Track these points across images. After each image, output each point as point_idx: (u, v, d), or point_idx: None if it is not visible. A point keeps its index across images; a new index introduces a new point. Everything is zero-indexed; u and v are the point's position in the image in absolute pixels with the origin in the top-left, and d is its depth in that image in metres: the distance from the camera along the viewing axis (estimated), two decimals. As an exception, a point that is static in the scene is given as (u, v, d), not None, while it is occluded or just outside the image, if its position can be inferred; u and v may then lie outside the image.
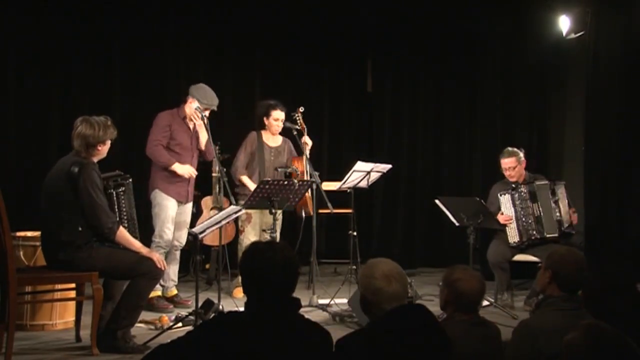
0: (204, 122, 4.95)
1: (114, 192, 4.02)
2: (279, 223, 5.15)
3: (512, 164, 5.36)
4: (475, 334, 2.76)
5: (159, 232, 5.01)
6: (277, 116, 5.42)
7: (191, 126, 5.12)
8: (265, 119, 5.45)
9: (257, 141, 5.45)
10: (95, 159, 3.95)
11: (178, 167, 4.95)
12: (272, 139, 5.52)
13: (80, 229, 3.82)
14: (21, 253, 4.36)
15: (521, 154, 5.41)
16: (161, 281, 5.16)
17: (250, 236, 5.39)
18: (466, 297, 2.75)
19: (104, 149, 3.97)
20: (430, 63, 7.34)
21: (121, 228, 3.92)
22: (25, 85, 5.88)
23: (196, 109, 4.97)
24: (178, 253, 5.21)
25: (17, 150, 5.85)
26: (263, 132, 5.50)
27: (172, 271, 5.18)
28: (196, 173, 5.09)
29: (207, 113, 5.01)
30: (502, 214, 5.30)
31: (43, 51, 5.95)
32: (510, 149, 5.42)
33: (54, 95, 6.06)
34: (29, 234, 4.47)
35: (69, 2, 6.00)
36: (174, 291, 5.19)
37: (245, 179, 5.42)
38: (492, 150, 7.04)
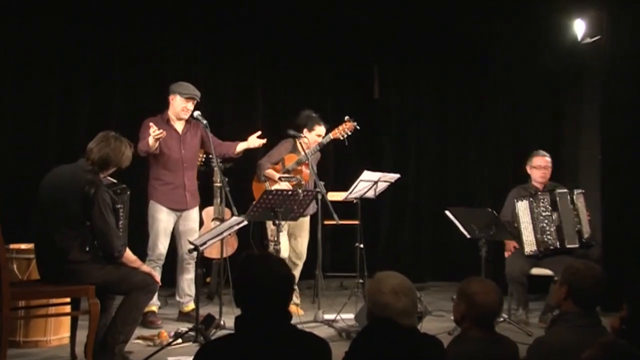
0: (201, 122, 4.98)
1: (118, 207, 4.05)
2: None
3: (547, 163, 5.43)
4: (490, 351, 2.73)
5: (151, 245, 5.03)
6: (320, 132, 5.51)
7: (179, 129, 5.13)
8: (306, 130, 5.49)
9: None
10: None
11: (151, 138, 4.80)
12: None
13: (87, 249, 3.85)
14: (15, 266, 4.36)
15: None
16: (177, 297, 5.20)
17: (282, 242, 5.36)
18: (485, 311, 2.73)
19: (112, 170, 4.03)
20: (439, 69, 7.35)
21: (127, 249, 3.97)
22: (23, 94, 5.91)
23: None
24: (190, 266, 5.15)
25: (12, 161, 5.86)
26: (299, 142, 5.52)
27: (186, 285, 5.17)
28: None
29: (191, 105, 5.06)
30: (515, 225, 5.28)
31: (41, 59, 5.97)
32: (540, 150, 5.53)
33: (52, 105, 6.08)
34: (23, 246, 4.46)
35: (69, 7, 6.03)
36: (191, 306, 5.14)
37: (270, 171, 5.47)
38: (503, 159, 7.05)
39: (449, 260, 7.23)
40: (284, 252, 5.29)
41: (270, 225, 5.41)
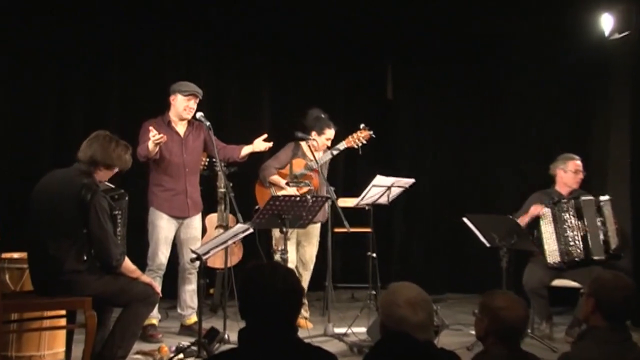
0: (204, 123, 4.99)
1: (116, 214, 4.05)
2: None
3: (581, 166, 5.42)
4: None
5: (151, 254, 5.04)
6: (330, 136, 5.50)
7: (181, 132, 5.13)
8: (315, 133, 5.48)
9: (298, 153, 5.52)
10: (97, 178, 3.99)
11: (150, 143, 4.79)
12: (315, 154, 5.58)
13: (84, 258, 3.85)
14: (7, 276, 4.36)
15: None
16: (178, 309, 5.23)
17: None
18: (510, 327, 2.69)
19: (106, 173, 4.00)
20: (455, 68, 7.31)
21: (126, 258, 3.96)
22: (16, 94, 5.94)
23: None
24: (193, 276, 5.16)
25: (5, 165, 5.87)
26: (303, 144, 5.54)
27: (188, 296, 5.18)
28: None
29: (193, 104, 5.06)
30: (536, 234, 5.25)
31: (36, 58, 5.99)
32: (570, 153, 5.52)
33: (47, 106, 6.11)
34: (16, 255, 4.46)
35: (65, 4, 6.07)
36: (193, 319, 5.17)
37: (276, 177, 5.48)
38: (524, 162, 7.01)
39: (468, 270, 7.20)
40: (291, 263, 5.28)
41: (275, 233, 5.41)
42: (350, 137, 5.52)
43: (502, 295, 2.78)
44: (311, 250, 5.60)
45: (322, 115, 5.56)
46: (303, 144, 5.54)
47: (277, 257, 5.11)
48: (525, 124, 7.19)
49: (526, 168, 6.93)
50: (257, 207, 5.50)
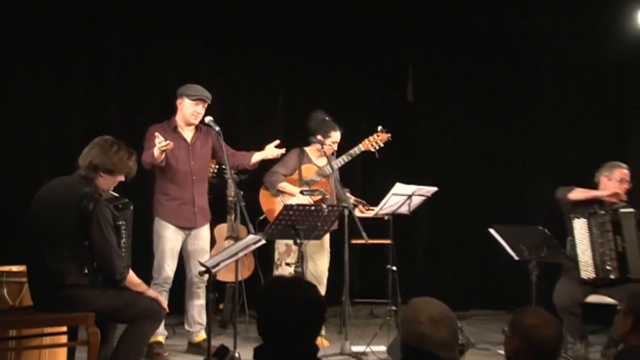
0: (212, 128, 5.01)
1: (120, 224, 4.06)
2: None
3: (628, 175, 5.33)
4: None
5: (157, 267, 5.05)
6: (336, 139, 5.51)
7: (188, 138, 5.15)
8: (320, 137, 5.49)
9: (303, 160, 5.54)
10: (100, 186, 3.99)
11: (156, 150, 4.81)
12: (321, 160, 5.60)
13: (86, 271, 3.85)
14: (5, 291, 4.38)
15: None
16: (186, 326, 5.24)
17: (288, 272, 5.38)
18: (544, 348, 2.64)
19: (109, 180, 4.00)
20: (481, 68, 7.30)
21: (130, 271, 3.97)
22: (10, 97, 5.98)
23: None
24: (201, 291, 5.17)
25: (1, 173, 5.91)
26: (308, 150, 5.56)
27: (197, 312, 5.20)
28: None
29: (201, 109, 5.08)
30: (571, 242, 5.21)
31: (31, 58, 6.03)
32: (616, 161, 5.44)
33: (44, 110, 6.15)
34: (14, 268, 4.48)
35: (65, 5, 6.12)
36: (202, 336, 5.18)
37: (285, 184, 5.49)
38: (554, 169, 6.96)
39: (495, 285, 7.17)
40: None
41: (279, 247, 5.40)
42: (366, 139, 5.54)
43: (534, 313, 2.74)
44: (323, 263, 5.59)
45: (327, 118, 5.57)
46: (308, 149, 5.56)
47: (291, 270, 5.09)
48: (558, 128, 7.13)
49: (556, 175, 6.87)
50: (261, 217, 5.52)
